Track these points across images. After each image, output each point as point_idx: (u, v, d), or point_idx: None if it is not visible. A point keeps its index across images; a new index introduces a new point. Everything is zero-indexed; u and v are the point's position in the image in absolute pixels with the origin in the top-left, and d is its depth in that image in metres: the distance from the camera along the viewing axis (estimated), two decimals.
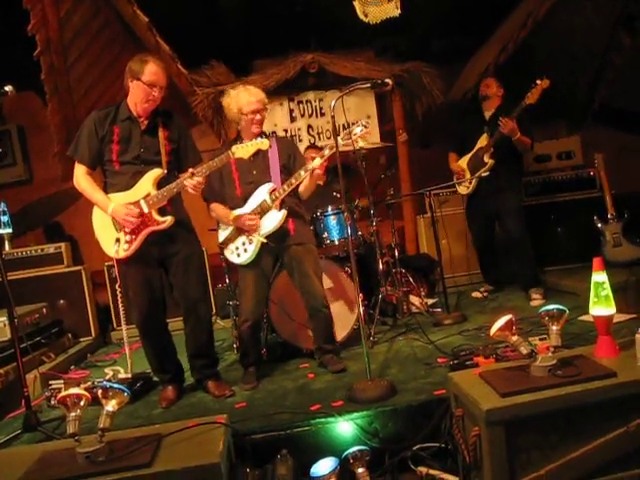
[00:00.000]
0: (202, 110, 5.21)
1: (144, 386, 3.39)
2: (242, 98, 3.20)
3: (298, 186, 3.26)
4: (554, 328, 2.39)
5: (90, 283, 5.04)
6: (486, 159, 4.37)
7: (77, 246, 5.70)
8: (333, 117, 2.87)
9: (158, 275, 3.11)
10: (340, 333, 3.70)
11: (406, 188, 5.60)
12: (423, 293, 4.65)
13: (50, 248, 5.03)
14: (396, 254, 4.54)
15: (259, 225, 3.19)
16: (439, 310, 4.42)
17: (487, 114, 4.58)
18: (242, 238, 3.26)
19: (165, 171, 2.99)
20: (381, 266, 4.27)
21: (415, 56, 5.52)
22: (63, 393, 2.20)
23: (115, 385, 2.26)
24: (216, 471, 2.01)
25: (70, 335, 4.72)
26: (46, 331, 4.31)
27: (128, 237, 2.95)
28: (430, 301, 4.66)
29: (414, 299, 4.53)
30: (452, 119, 5.33)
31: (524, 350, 2.32)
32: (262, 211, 3.20)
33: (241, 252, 3.25)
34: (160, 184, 2.97)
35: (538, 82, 4.10)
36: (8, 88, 2.93)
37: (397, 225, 4.80)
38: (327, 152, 3.10)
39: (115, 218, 2.94)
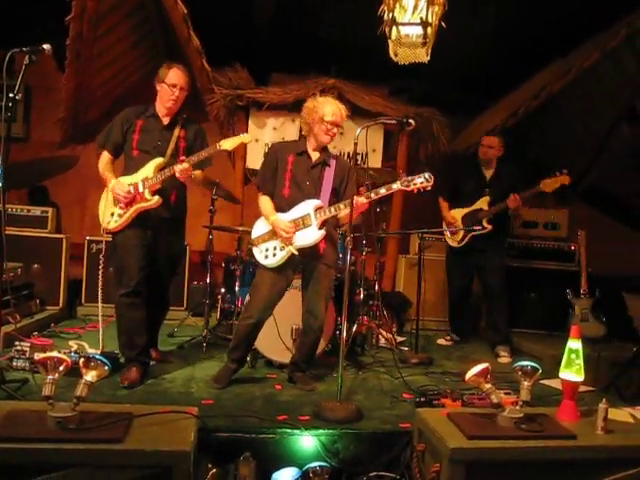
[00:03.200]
0: (216, 109, 5.27)
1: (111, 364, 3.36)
2: (329, 107, 3.28)
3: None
4: (525, 383, 2.50)
5: (68, 253, 4.98)
6: (485, 224, 4.49)
7: (58, 215, 5.62)
8: (356, 144, 2.94)
9: (147, 251, 3.34)
10: None
11: (394, 226, 5.70)
12: (394, 329, 4.74)
13: (37, 211, 4.95)
14: (376, 287, 4.63)
15: (293, 238, 3.21)
16: (406, 349, 4.50)
17: (487, 173, 4.69)
18: (275, 242, 3.27)
19: (167, 160, 3.27)
20: (361, 296, 4.36)
21: (425, 102, 5.66)
22: (45, 354, 2.22)
23: (98, 357, 2.29)
24: (186, 459, 2.04)
25: (38, 301, 4.64)
26: (17, 292, 4.22)
27: (121, 211, 3.29)
28: (399, 339, 4.74)
29: (384, 334, 4.61)
30: (449, 169, 5.48)
31: (495, 399, 2.42)
32: (303, 224, 3.22)
33: (269, 255, 3.27)
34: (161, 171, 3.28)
35: (559, 175, 4.30)
36: (46, 46, 2.90)
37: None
38: (373, 195, 3.15)
39: (112, 192, 3.30)
